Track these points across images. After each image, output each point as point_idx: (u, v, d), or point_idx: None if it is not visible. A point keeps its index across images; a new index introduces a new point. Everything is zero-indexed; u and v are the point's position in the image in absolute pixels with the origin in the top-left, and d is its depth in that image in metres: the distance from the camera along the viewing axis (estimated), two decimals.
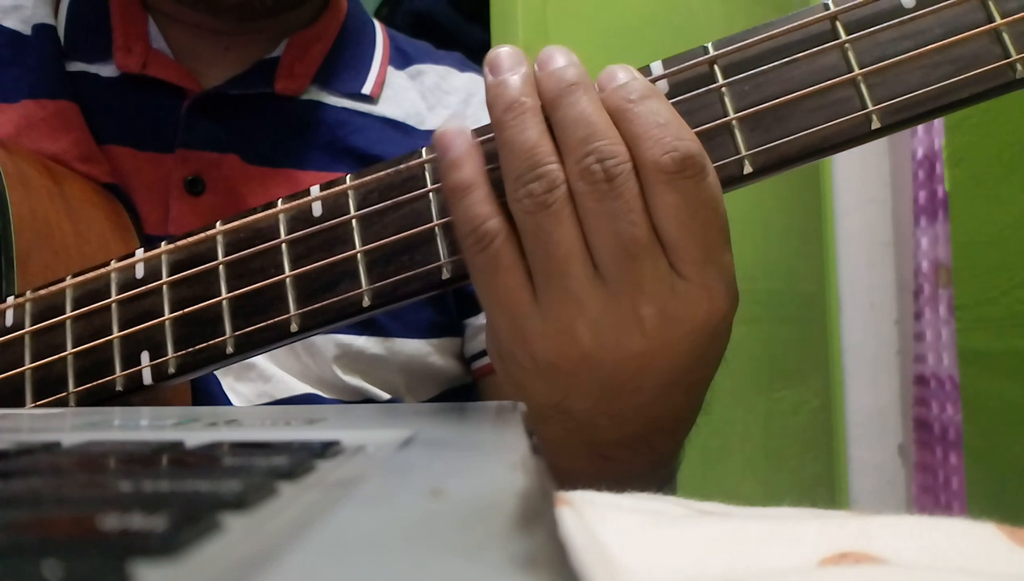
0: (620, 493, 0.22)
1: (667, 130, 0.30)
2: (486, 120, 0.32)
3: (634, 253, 0.30)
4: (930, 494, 1.13)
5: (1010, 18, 0.30)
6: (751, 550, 0.18)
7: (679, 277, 0.31)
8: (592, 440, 0.34)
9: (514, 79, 0.31)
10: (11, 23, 0.52)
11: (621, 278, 0.30)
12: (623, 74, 0.31)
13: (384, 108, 0.55)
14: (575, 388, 0.32)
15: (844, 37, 0.31)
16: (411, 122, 0.56)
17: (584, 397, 0.33)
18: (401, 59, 0.59)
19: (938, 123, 1.02)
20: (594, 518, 0.19)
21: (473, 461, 0.17)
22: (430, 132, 0.56)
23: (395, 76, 0.58)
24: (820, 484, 1.29)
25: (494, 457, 0.16)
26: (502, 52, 0.32)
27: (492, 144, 0.32)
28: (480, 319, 0.54)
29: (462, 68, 0.61)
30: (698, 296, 0.31)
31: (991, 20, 0.30)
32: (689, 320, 0.31)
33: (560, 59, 0.31)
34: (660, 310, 0.31)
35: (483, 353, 0.55)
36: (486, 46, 1.00)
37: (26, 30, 0.52)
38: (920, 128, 1.13)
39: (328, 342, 0.49)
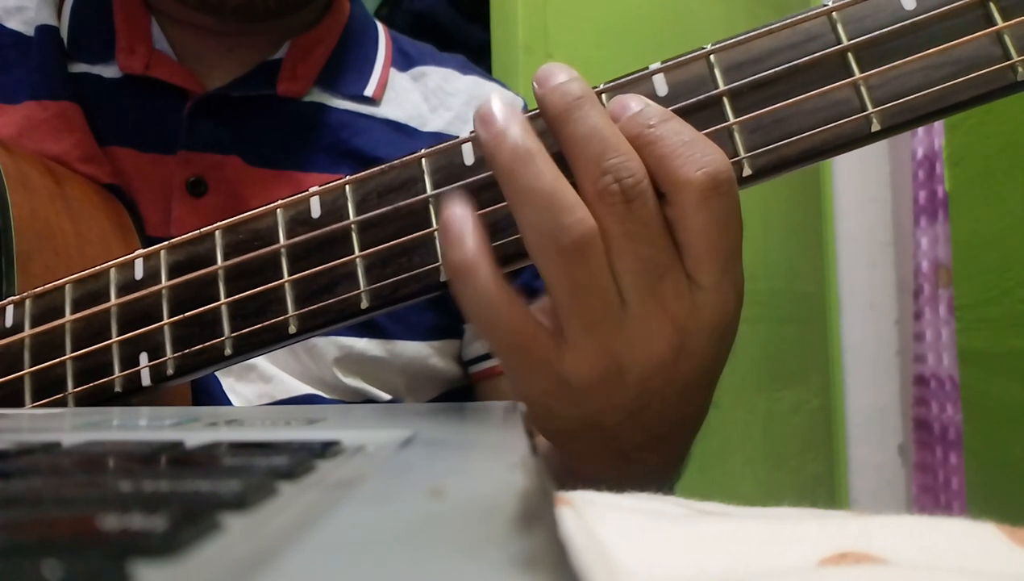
0: (621, 493, 0.22)
1: (695, 147, 0.29)
2: None
3: (657, 274, 0.30)
4: (930, 494, 1.13)
5: (1012, 21, 0.30)
6: (751, 550, 0.18)
7: (696, 287, 0.30)
8: (620, 447, 0.34)
9: (513, 125, 0.29)
10: (14, 24, 0.52)
11: (643, 300, 0.30)
12: (635, 102, 0.30)
13: (387, 110, 0.55)
14: (608, 405, 0.32)
15: (844, 39, 0.31)
16: (413, 124, 0.56)
17: (616, 411, 0.33)
18: (403, 61, 0.59)
19: (938, 123, 1.02)
20: (594, 518, 0.19)
21: (473, 461, 0.17)
22: (432, 134, 0.56)
23: (397, 78, 0.58)
24: (820, 484, 1.29)
25: (494, 457, 0.16)
26: (495, 105, 0.30)
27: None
28: None
29: (464, 71, 0.61)
30: (713, 303, 0.31)
31: (992, 22, 0.30)
32: (706, 327, 0.31)
33: (562, 75, 0.30)
34: (681, 324, 0.30)
35: (481, 358, 0.55)
36: (486, 46, 1.00)
37: (29, 31, 0.52)
38: (920, 128, 1.13)
39: (329, 344, 0.49)
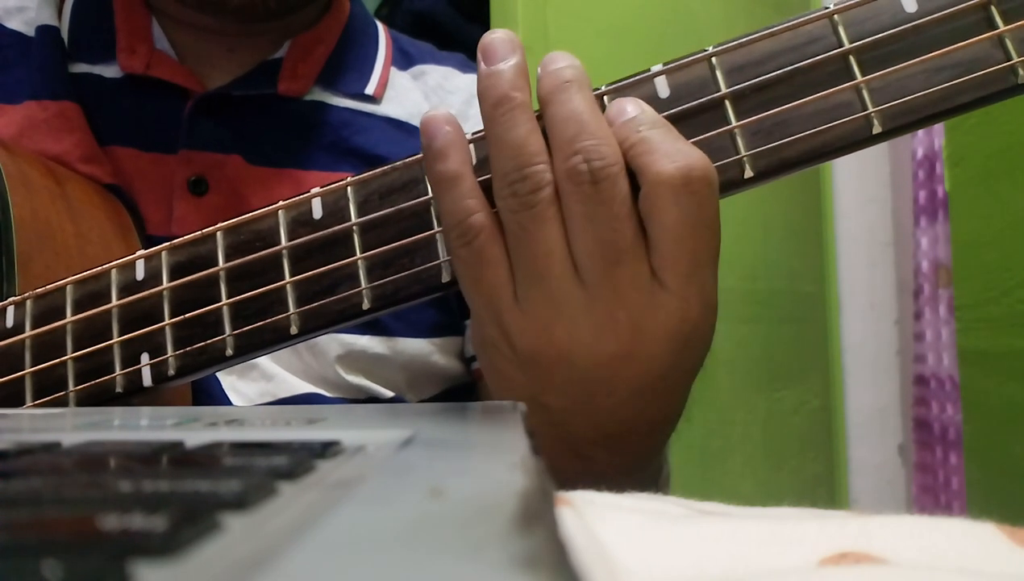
0: (619, 493, 0.22)
1: (675, 147, 0.30)
2: None
3: (614, 259, 0.30)
4: (930, 494, 1.13)
5: (1013, 24, 0.30)
6: (751, 550, 0.18)
7: (660, 286, 0.30)
8: (568, 438, 0.34)
9: (506, 71, 0.31)
10: (14, 24, 0.52)
11: (599, 282, 0.30)
12: (632, 106, 0.31)
13: (387, 108, 0.56)
14: (552, 384, 0.32)
15: (846, 41, 0.31)
16: (414, 122, 0.56)
17: (560, 394, 0.33)
18: (404, 60, 0.59)
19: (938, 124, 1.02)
20: (594, 518, 0.19)
21: (473, 461, 0.17)
22: None
23: (398, 76, 0.58)
24: (820, 484, 1.29)
25: (494, 457, 0.16)
26: (496, 38, 0.31)
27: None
28: None
29: (464, 69, 0.61)
30: (674, 307, 0.31)
31: (993, 25, 0.30)
32: (662, 330, 0.31)
33: (562, 61, 0.31)
34: (635, 317, 0.31)
35: None
36: None
37: (29, 32, 0.52)
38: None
39: (331, 341, 0.49)
